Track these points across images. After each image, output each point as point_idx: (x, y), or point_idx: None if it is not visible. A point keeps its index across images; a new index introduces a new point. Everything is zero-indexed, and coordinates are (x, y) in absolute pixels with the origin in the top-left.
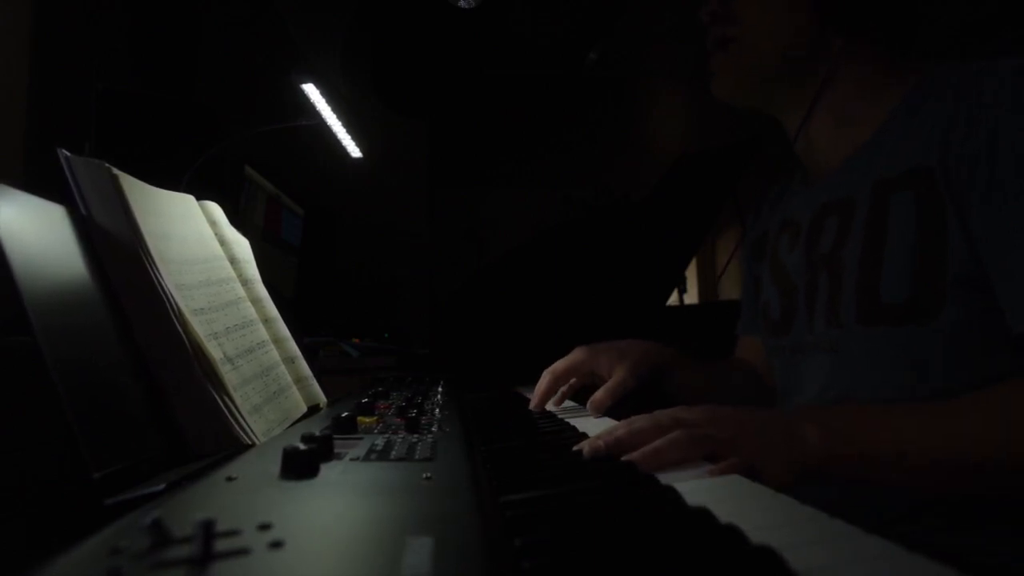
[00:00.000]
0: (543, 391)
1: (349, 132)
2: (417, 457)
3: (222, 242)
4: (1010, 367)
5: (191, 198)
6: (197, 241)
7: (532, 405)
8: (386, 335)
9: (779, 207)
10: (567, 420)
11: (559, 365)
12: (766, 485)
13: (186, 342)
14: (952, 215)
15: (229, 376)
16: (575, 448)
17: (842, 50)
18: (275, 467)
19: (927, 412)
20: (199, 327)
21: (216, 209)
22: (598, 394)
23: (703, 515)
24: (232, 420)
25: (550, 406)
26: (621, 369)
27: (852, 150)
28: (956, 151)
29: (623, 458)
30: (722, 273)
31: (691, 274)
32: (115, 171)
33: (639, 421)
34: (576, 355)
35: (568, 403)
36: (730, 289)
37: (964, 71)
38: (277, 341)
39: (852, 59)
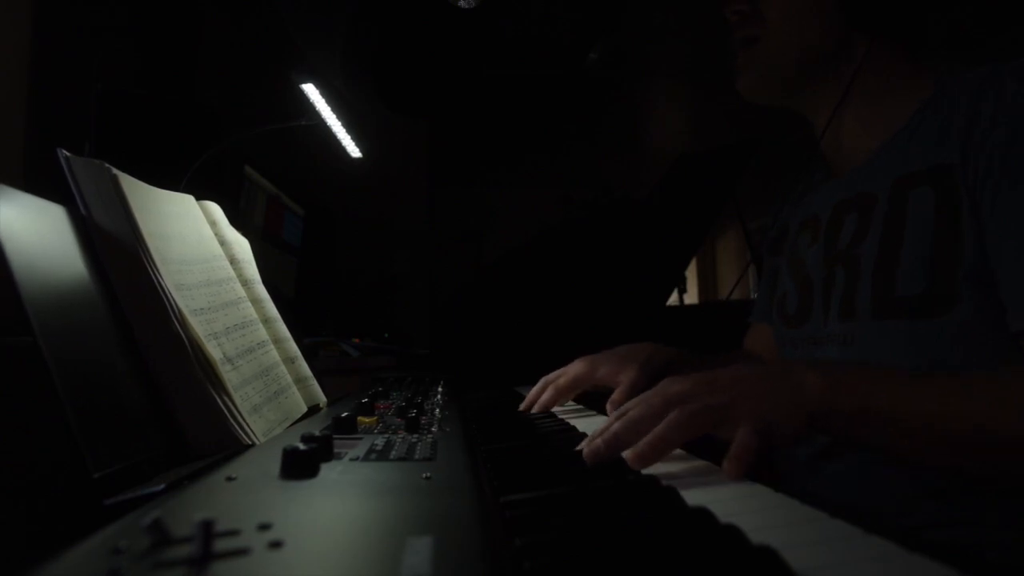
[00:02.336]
0: (545, 403)
1: (349, 132)
2: (417, 457)
3: (222, 242)
4: (1020, 363)
5: (191, 198)
6: (197, 241)
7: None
8: (386, 335)
9: (800, 204)
10: (567, 420)
11: (561, 381)
12: (776, 440)
13: (186, 342)
14: (968, 211)
15: (229, 376)
16: (576, 449)
17: (869, 50)
18: (275, 467)
19: (931, 379)
20: (199, 327)
21: (216, 209)
22: (615, 395)
23: (703, 515)
24: (232, 420)
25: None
26: (630, 371)
27: (873, 147)
28: (976, 148)
29: (626, 457)
30: (728, 296)
31: (691, 274)
32: (115, 171)
33: (632, 410)
34: (576, 369)
35: (570, 404)
36: (730, 290)
37: (985, 70)
38: (277, 341)
39: (875, 58)
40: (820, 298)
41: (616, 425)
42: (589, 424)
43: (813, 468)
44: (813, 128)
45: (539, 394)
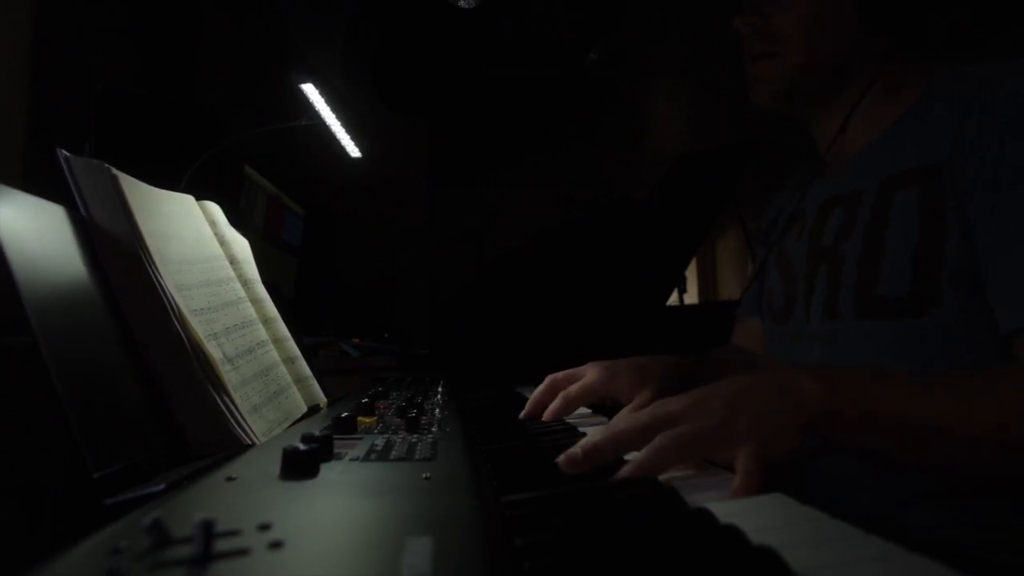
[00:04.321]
0: (555, 411)
1: (349, 132)
2: (417, 457)
3: (222, 242)
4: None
5: (190, 198)
6: (197, 241)
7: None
8: (386, 335)
9: (790, 198)
10: (567, 420)
11: (573, 390)
12: (774, 455)
13: (186, 342)
14: (953, 213)
15: (229, 376)
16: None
17: (883, 60)
18: (275, 467)
19: (937, 380)
20: (199, 327)
21: (215, 209)
22: (623, 413)
23: (703, 515)
24: (232, 420)
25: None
26: (647, 390)
27: (864, 146)
28: (966, 150)
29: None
30: (738, 300)
31: (691, 274)
32: (115, 171)
33: (620, 422)
34: (592, 376)
35: None
36: (731, 290)
37: (977, 72)
38: (277, 341)
39: (882, 63)
40: (803, 295)
41: (599, 436)
42: (588, 425)
43: (801, 471)
44: (810, 129)
45: (544, 395)
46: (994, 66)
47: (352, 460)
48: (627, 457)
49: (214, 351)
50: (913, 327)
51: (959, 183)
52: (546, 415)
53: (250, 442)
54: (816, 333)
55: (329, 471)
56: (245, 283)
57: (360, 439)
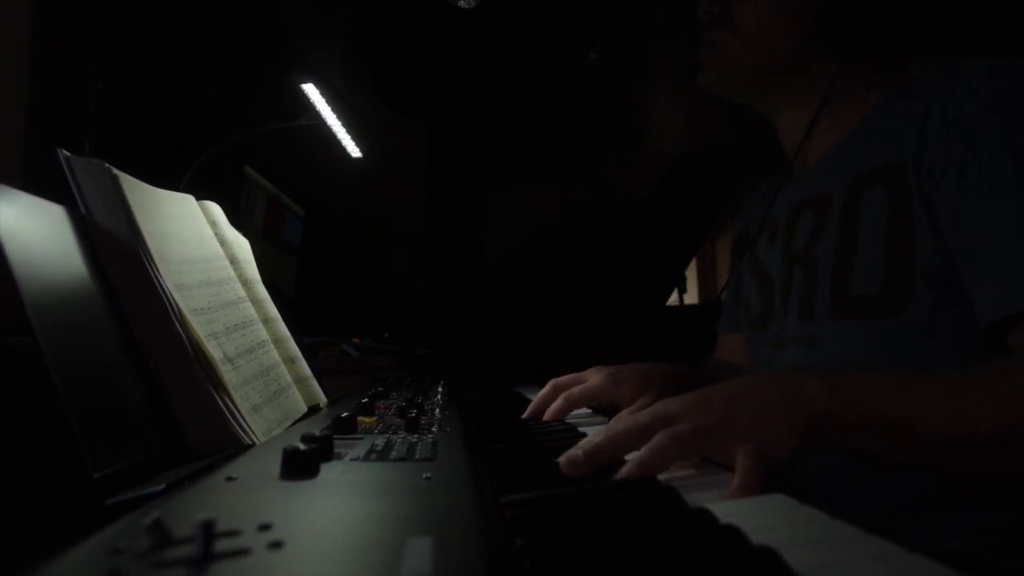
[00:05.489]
0: (556, 411)
1: (349, 132)
2: (417, 457)
3: (222, 242)
4: (982, 360)
5: (191, 198)
6: (197, 241)
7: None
8: (386, 335)
9: (762, 205)
10: (567, 420)
11: (576, 392)
12: (773, 456)
13: (186, 342)
14: (921, 211)
15: (229, 376)
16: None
17: (845, 65)
18: (275, 467)
19: (938, 379)
20: (199, 327)
21: (216, 209)
22: (622, 415)
23: (703, 515)
24: (232, 420)
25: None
26: (648, 397)
27: (831, 148)
28: (931, 148)
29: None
30: (723, 288)
31: (691, 274)
32: (115, 171)
33: (619, 423)
34: (596, 381)
35: None
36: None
37: (939, 72)
38: (277, 341)
39: (847, 67)
40: (780, 300)
41: (599, 438)
42: (589, 425)
43: (800, 472)
44: (776, 129)
45: (547, 398)
46: (954, 65)
47: (352, 460)
48: (627, 457)
49: (214, 351)
50: (889, 325)
51: (925, 180)
52: (547, 415)
53: (250, 442)
54: (795, 336)
55: (329, 471)
56: (245, 283)
57: (360, 439)
